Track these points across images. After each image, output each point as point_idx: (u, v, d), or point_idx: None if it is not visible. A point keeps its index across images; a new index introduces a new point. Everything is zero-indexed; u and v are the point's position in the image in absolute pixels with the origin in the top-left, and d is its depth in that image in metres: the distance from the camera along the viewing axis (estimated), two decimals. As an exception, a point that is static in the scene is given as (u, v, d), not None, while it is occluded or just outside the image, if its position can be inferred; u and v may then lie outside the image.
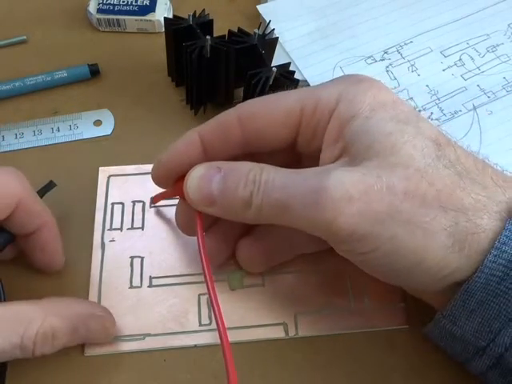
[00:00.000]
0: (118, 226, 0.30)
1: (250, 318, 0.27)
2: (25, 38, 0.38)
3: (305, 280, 0.28)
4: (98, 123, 0.34)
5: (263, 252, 0.27)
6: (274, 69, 0.30)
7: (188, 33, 0.31)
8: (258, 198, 0.21)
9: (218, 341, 0.26)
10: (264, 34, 0.32)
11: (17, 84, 0.35)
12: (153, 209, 0.31)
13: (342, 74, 0.36)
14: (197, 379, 0.26)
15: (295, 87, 0.32)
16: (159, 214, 0.31)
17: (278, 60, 0.33)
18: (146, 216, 0.31)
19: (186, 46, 0.31)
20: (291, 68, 0.31)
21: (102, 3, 0.38)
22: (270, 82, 0.30)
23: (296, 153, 0.25)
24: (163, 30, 0.35)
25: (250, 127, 0.24)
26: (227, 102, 0.35)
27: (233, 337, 0.27)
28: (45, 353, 0.23)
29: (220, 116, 0.24)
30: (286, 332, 0.27)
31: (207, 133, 0.24)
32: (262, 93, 0.31)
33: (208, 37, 0.30)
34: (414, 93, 0.36)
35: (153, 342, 0.27)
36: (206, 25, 0.32)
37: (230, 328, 0.27)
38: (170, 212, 0.31)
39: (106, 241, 0.29)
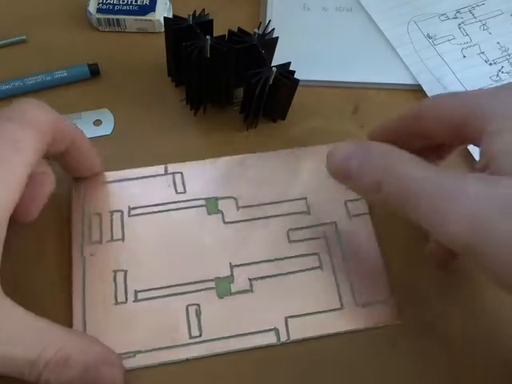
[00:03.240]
0: (98, 239, 0.29)
1: (240, 325, 0.27)
2: (24, 37, 0.38)
3: (293, 282, 0.28)
4: (97, 123, 0.34)
5: None
6: (274, 69, 0.30)
7: (188, 33, 0.31)
8: (387, 185, 0.22)
9: (210, 352, 0.26)
10: (264, 34, 0.32)
11: (16, 84, 0.35)
12: (132, 218, 0.30)
13: (417, 29, 0.40)
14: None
15: (295, 87, 0.32)
16: (139, 223, 0.30)
17: (278, 60, 0.33)
18: (125, 226, 0.29)
19: (186, 45, 0.31)
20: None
21: (102, 3, 0.38)
22: (270, 82, 0.30)
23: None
24: (163, 29, 0.35)
25: (426, 116, 0.25)
26: (227, 102, 0.35)
27: (223, 347, 0.26)
28: (49, 381, 0.22)
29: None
30: (278, 337, 0.27)
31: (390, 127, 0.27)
32: (261, 93, 0.31)
33: (208, 37, 0.30)
34: (485, 48, 0.38)
35: (144, 358, 0.26)
36: (206, 25, 0.32)
37: (219, 338, 0.26)
38: (150, 220, 0.30)
39: (87, 255, 0.28)
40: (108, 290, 0.27)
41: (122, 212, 0.30)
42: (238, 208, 0.30)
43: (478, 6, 0.41)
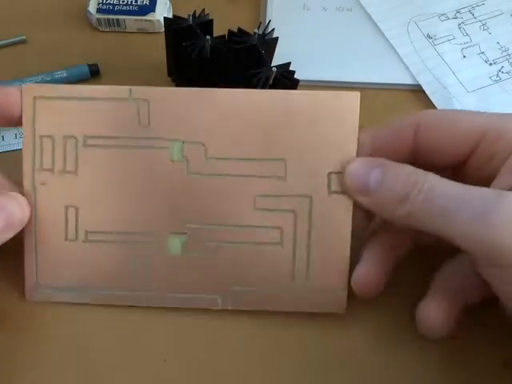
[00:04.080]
0: (50, 167, 0.26)
1: (185, 285, 0.26)
2: (24, 37, 0.38)
3: (249, 253, 0.26)
4: (97, 123, 0.34)
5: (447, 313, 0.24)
6: (274, 69, 0.30)
7: (188, 33, 0.31)
8: (417, 199, 0.21)
9: (150, 304, 0.27)
10: (264, 34, 0.32)
11: (17, 84, 0.35)
12: (87, 148, 0.26)
13: (417, 29, 0.40)
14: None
15: (295, 87, 0.32)
16: (94, 156, 0.26)
17: (278, 60, 0.33)
18: (79, 157, 0.26)
19: (186, 45, 0.31)
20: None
21: (102, 3, 0.38)
22: (270, 82, 0.30)
23: (459, 174, 0.25)
24: (163, 29, 0.35)
25: (425, 136, 0.24)
26: (227, 102, 0.35)
27: (163, 302, 0.27)
28: None
29: (395, 121, 0.25)
30: (220, 303, 0.26)
31: (379, 138, 0.25)
32: (262, 93, 0.31)
33: (208, 37, 0.30)
34: (485, 48, 0.39)
35: (88, 296, 0.27)
36: (206, 25, 0.32)
37: (163, 293, 0.27)
38: (107, 155, 0.26)
39: (37, 184, 0.26)
40: (59, 225, 0.26)
41: (76, 139, 0.26)
42: (207, 158, 0.26)
43: (478, 6, 0.41)
